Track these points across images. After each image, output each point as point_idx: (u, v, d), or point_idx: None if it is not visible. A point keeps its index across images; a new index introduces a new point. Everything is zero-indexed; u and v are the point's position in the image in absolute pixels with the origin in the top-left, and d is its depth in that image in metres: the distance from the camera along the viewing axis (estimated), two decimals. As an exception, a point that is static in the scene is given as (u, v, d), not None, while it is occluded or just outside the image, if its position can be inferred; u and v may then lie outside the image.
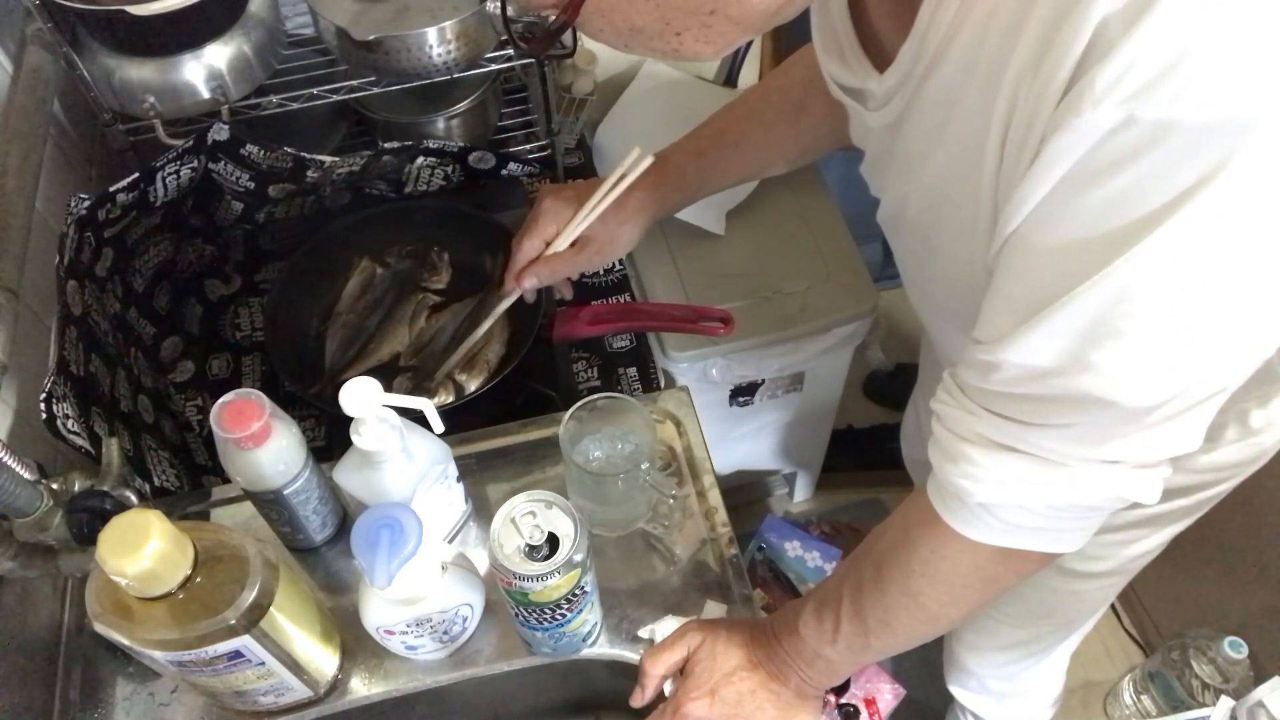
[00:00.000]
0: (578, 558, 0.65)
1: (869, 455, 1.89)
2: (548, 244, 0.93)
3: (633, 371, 1.09)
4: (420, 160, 1.04)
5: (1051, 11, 0.43)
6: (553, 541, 0.65)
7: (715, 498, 0.86)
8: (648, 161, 0.90)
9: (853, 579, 0.70)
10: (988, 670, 1.21)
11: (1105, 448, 0.53)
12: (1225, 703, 0.85)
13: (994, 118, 0.48)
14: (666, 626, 0.79)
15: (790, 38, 0.89)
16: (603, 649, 0.79)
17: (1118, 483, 0.55)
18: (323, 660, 0.75)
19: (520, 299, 0.94)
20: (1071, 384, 0.49)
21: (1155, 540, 0.91)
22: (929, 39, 0.52)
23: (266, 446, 0.71)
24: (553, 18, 0.53)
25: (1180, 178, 0.42)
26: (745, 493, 1.82)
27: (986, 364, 0.53)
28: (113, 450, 0.75)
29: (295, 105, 1.04)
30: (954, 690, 1.29)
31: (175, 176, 0.94)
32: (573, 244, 0.93)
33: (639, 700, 0.77)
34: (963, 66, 0.50)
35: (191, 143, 0.92)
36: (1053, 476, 0.55)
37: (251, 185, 1.01)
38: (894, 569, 0.66)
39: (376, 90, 1.05)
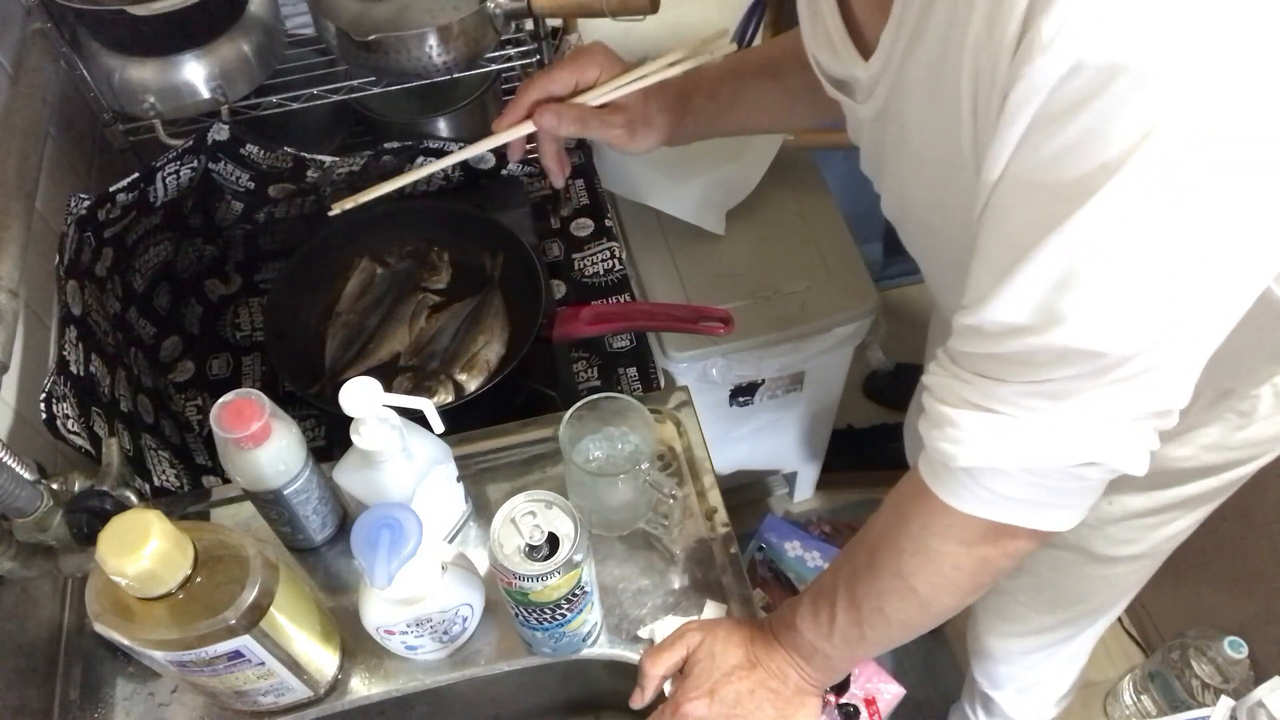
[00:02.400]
0: (578, 558, 0.65)
1: (869, 455, 1.89)
2: (577, 91, 0.83)
3: (633, 371, 1.09)
4: (420, 160, 1.04)
5: None
6: (553, 541, 0.65)
7: (715, 498, 0.86)
8: (730, 47, 0.83)
9: (847, 567, 0.70)
10: (1015, 658, 1.19)
11: (1075, 400, 0.52)
12: (1225, 703, 0.85)
13: (963, 88, 0.49)
14: (666, 626, 0.79)
15: (792, 12, 0.88)
16: (603, 649, 0.79)
17: (1094, 444, 0.54)
18: (323, 660, 0.75)
19: (516, 297, 0.93)
20: (1046, 338, 0.49)
21: (1187, 521, 0.89)
22: (905, 20, 0.52)
23: (266, 446, 0.71)
24: None
25: (1131, 121, 0.42)
26: (745, 493, 1.82)
27: (969, 327, 0.53)
28: (113, 450, 0.75)
29: (295, 105, 1.04)
30: (979, 680, 1.28)
31: (175, 176, 0.94)
32: (604, 108, 0.84)
33: (639, 701, 0.77)
34: (937, 45, 0.51)
35: (191, 143, 0.92)
36: (1028, 436, 0.54)
37: (251, 185, 1.01)
38: (886, 550, 0.66)
39: (376, 90, 1.05)
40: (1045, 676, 1.23)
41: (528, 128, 0.82)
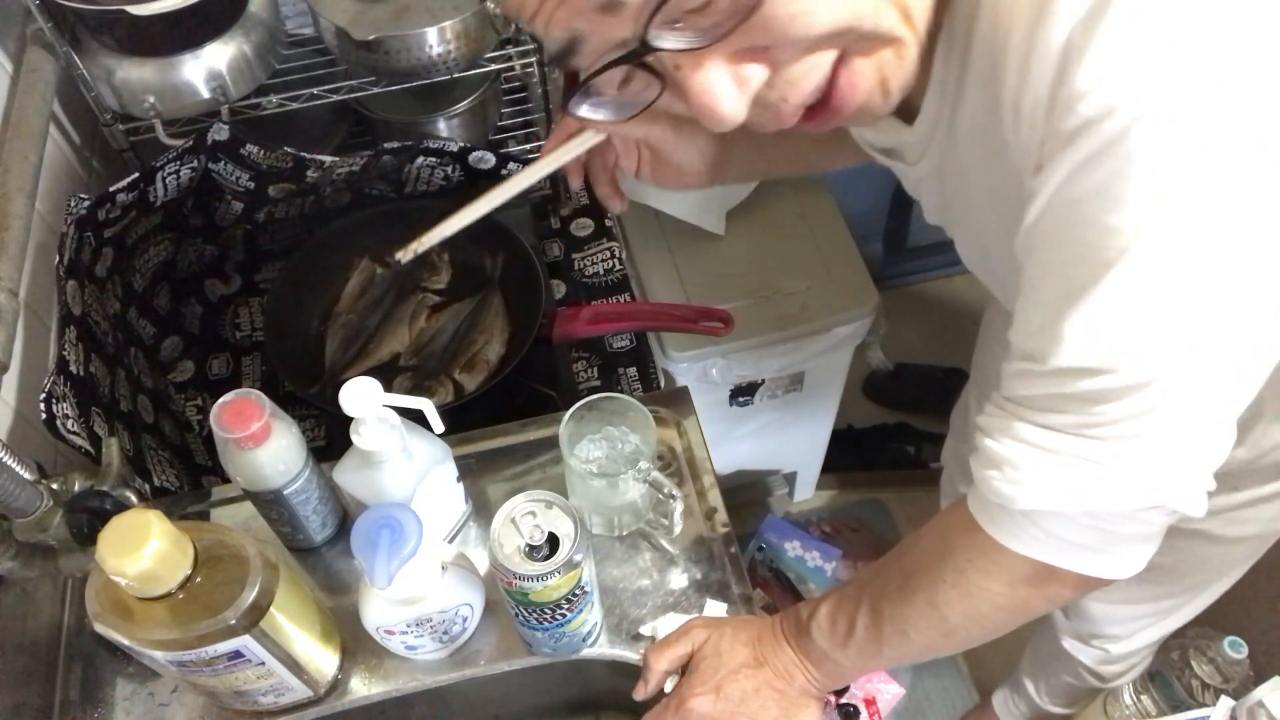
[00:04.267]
0: (578, 558, 0.65)
1: (869, 455, 1.89)
2: None
3: (633, 371, 1.09)
4: (420, 160, 1.04)
5: (1027, 27, 0.45)
6: (553, 541, 0.65)
7: (715, 498, 0.86)
8: None
9: (876, 584, 0.69)
10: (1116, 624, 1.18)
11: (1138, 443, 0.53)
12: (1225, 703, 0.85)
13: (1009, 137, 0.49)
14: (668, 624, 0.79)
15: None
16: (603, 649, 0.79)
17: (1156, 487, 0.54)
18: (323, 660, 0.75)
19: (516, 297, 0.92)
20: (1104, 378, 0.50)
21: None
22: (947, 80, 0.53)
23: (266, 446, 0.71)
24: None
25: (1178, 162, 0.43)
26: (745, 493, 1.82)
27: (1025, 371, 0.54)
28: (113, 450, 0.75)
29: (295, 105, 1.04)
30: (1066, 643, 1.25)
31: (175, 176, 0.94)
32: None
33: (641, 693, 0.77)
34: (983, 90, 0.51)
35: (191, 143, 0.92)
36: (1092, 479, 0.54)
37: (251, 185, 1.01)
38: (924, 577, 0.66)
39: (376, 90, 1.05)
40: (1139, 646, 1.21)
41: (590, 138, 0.71)
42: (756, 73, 0.50)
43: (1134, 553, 0.60)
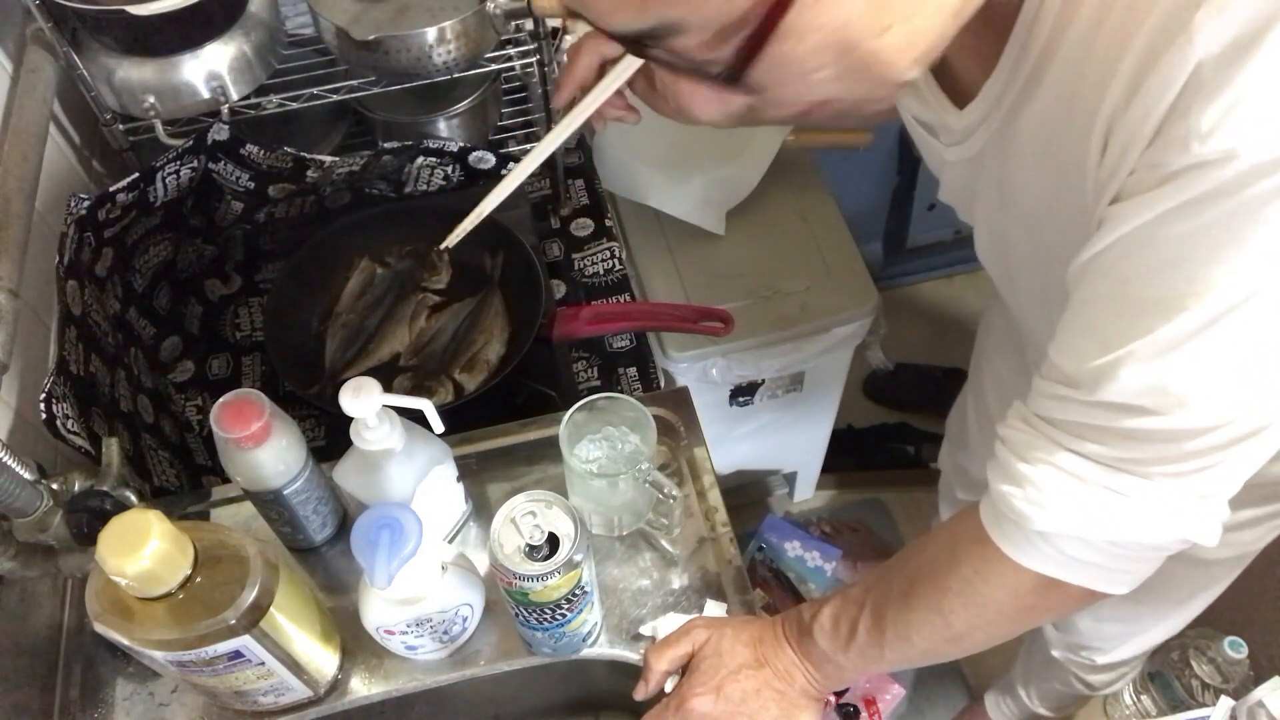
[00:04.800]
0: (578, 558, 0.65)
1: (869, 455, 1.89)
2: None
3: (633, 371, 1.09)
4: (420, 160, 1.03)
5: (1146, 52, 0.43)
6: (553, 541, 0.65)
7: (715, 498, 0.86)
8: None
9: (880, 589, 0.69)
10: (1102, 639, 1.20)
11: (1175, 482, 0.53)
12: (1225, 703, 0.85)
13: (1091, 149, 0.48)
14: (668, 624, 0.79)
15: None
16: (603, 649, 0.79)
17: (1182, 521, 0.54)
18: (323, 660, 0.75)
19: (516, 297, 0.92)
20: (1166, 421, 0.49)
21: None
22: (1017, 74, 0.52)
23: (266, 446, 0.71)
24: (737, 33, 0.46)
25: (1272, 213, 0.42)
26: (745, 493, 1.82)
27: (1068, 398, 0.53)
28: (113, 450, 0.75)
29: (295, 105, 1.04)
30: (1056, 653, 1.27)
31: (175, 176, 0.94)
32: None
33: (642, 693, 0.77)
34: (1058, 99, 0.50)
35: (191, 143, 0.92)
36: (1120, 511, 0.54)
37: (251, 185, 1.01)
38: (928, 584, 0.66)
39: (376, 90, 1.05)
40: (1125, 657, 1.23)
41: (617, 80, 0.65)
42: (740, 100, 0.52)
43: (1143, 572, 0.61)
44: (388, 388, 0.70)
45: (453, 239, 0.79)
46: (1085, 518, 0.56)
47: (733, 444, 1.54)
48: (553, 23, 1.14)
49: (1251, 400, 0.49)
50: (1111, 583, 0.60)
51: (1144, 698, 1.52)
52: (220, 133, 0.93)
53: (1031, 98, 0.53)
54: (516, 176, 0.76)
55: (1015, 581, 0.62)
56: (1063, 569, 0.60)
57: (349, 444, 0.73)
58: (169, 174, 0.93)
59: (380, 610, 0.71)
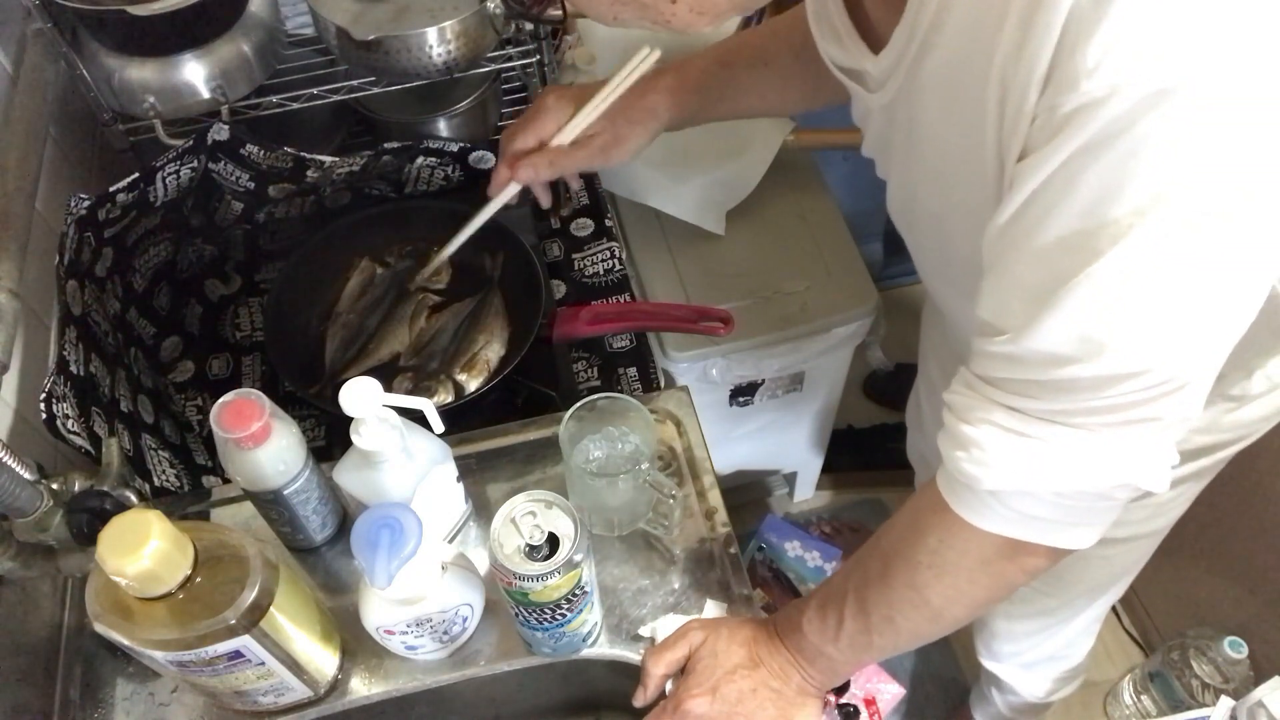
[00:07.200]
0: (578, 558, 0.65)
1: (869, 455, 1.89)
2: (543, 143, 0.92)
3: (633, 371, 1.09)
4: (420, 160, 1.04)
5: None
6: (553, 541, 0.65)
7: (715, 498, 0.86)
8: (654, 56, 0.88)
9: (858, 574, 0.70)
10: (1018, 638, 1.21)
11: (1111, 424, 0.53)
12: (1225, 703, 0.85)
13: (989, 100, 0.49)
14: (667, 625, 0.79)
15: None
16: (603, 649, 0.79)
17: (1125, 467, 0.55)
18: (323, 660, 0.75)
19: (516, 297, 0.93)
20: (1092, 367, 0.50)
21: (1179, 501, 0.91)
22: (920, 20, 0.52)
23: (266, 446, 0.71)
24: None
25: (1174, 148, 0.42)
26: (745, 493, 1.82)
27: (1003, 355, 0.54)
28: (113, 450, 0.75)
29: (295, 105, 1.04)
30: (984, 661, 1.28)
31: (175, 176, 0.94)
32: (575, 143, 0.91)
33: (641, 700, 0.77)
34: (958, 47, 0.51)
35: (191, 143, 0.92)
36: (1060, 460, 0.55)
37: (251, 185, 1.01)
38: (900, 561, 0.66)
39: (376, 90, 1.05)
40: (1047, 655, 1.23)
41: (515, 186, 0.94)
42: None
43: (1099, 524, 0.61)
44: (388, 388, 0.70)
45: (424, 275, 0.96)
46: (1029, 472, 0.56)
47: (733, 444, 1.54)
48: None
49: (1168, 348, 0.49)
50: (1072, 539, 0.60)
51: (1144, 698, 1.52)
52: (220, 133, 0.93)
53: (934, 45, 0.53)
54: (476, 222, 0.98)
55: (979, 546, 0.62)
56: (1018, 527, 0.60)
57: (349, 444, 0.73)
58: (169, 174, 0.93)
59: (380, 610, 0.71)
